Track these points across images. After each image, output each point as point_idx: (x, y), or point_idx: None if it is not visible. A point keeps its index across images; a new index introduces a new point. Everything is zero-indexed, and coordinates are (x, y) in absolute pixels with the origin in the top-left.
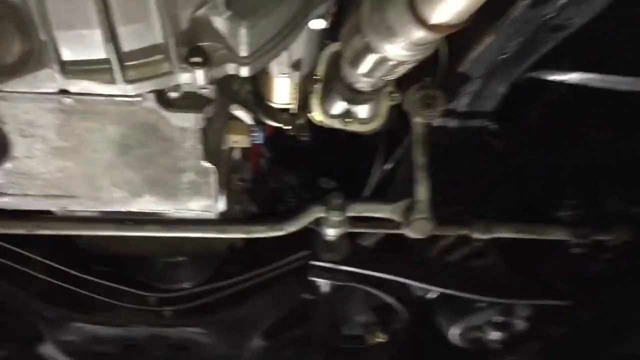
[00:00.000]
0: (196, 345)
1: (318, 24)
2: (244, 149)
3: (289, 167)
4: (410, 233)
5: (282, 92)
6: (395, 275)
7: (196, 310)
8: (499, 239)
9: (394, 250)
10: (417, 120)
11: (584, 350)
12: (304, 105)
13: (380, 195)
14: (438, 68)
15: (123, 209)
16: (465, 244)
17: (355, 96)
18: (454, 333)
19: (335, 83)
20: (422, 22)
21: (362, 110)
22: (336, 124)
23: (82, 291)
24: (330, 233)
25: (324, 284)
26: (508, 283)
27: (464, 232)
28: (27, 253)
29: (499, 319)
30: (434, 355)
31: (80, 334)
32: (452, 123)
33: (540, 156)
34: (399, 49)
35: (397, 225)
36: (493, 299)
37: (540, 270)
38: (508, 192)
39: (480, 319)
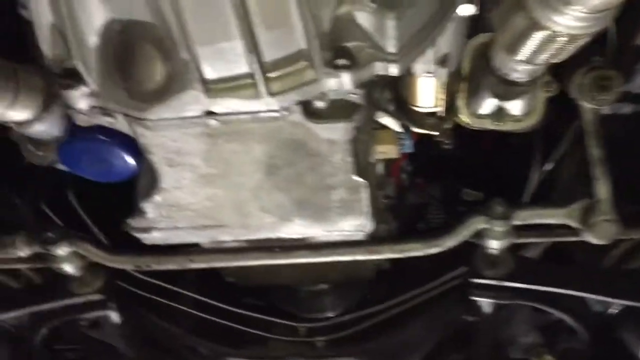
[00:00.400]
0: None
1: (467, 9)
2: (386, 162)
3: (430, 179)
4: (592, 238)
5: (428, 93)
6: (571, 289)
7: (350, 339)
8: None
9: (562, 262)
10: (589, 107)
11: None
12: (450, 107)
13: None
14: (607, 44)
15: (272, 236)
16: None
17: (508, 90)
18: None
19: (483, 77)
20: None
21: (516, 106)
22: (487, 125)
23: (235, 325)
24: (494, 245)
25: (486, 304)
26: None
27: None
28: (176, 289)
29: None
30: None
31: None
32: (626, 108)
33: None
34: (573, 21)
35: (572, 231)
36: None
37: None
38: None
39: None
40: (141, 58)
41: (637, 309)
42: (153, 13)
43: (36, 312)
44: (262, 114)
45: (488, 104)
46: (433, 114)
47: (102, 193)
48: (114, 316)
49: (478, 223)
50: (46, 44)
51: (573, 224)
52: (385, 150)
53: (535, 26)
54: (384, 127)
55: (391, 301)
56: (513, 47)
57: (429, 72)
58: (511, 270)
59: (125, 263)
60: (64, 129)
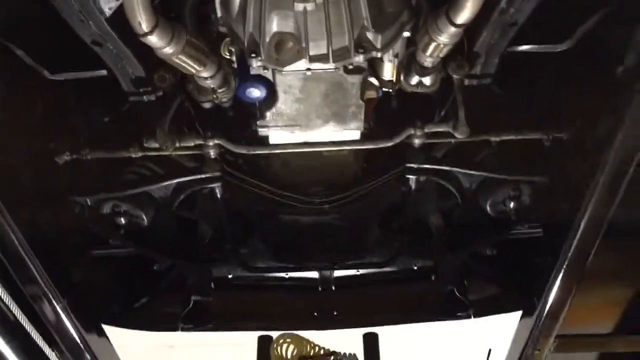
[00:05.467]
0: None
1: (406, 34)
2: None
3: None
4: (459, 135)
5: (388, 70)
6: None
7: (342, 205)
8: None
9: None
10: (457, 77)
11: None
12: (398, 77)
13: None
14: (465, 53)
15: (318, 132)
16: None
17: (424, 71)
18: (488, 206)
19: (412, 64)
20: (454, 24)
21: (427, 80)
22: (414, 89)
23: (283, 200)
24: (416, 144)
25: (412, 180)
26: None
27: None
28: (249, 179)
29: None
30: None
31: (279, 222)
32: (472, 81)
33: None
34: (444, 38)
35: (452, 135)
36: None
37: None
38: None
39: (501, 194)
40: (286, 47)
41: (485, 182)
42: (295, 29)
43: (181, 182)
44: (328, 70)
45: (415, 79)
46: (390, 80)
47: None
48: (219, 190)
49: (409, 131)
50: (246, 43)
51: (450, 130)
52: (371, 94)
53: (431, 40)
54: (372, 85)
55: (370, 182)
56: (424, 49)
57: (389, 60)
58: (425, 160)
59: (243, 149)
60: (219, 83)
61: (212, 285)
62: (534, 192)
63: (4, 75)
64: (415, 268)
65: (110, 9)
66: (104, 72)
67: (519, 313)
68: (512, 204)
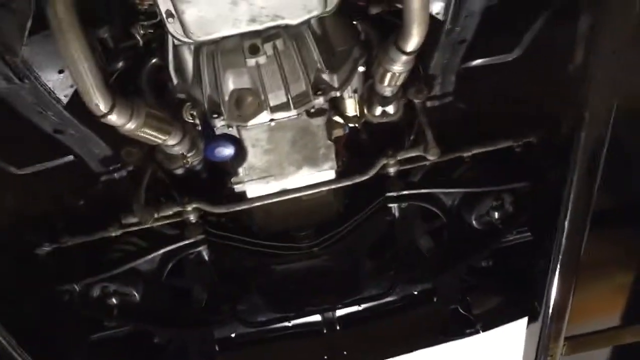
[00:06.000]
0: (328, 270)
1: (361, 69)
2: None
3: None
4: (430, 156)
5: (351, 106)
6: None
7: (329, 246)
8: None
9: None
10: (418, 101)
11: None
12: (361, 111)
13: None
14: (421, 76)
15: (293, 178)
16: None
17: (385, 101)
18: (473, 220)
19: (373, 97)
20: (404, 52)
21: (390, 109)
22: (379, 120)
23: (270, 250)
24: (391, 172)
25: (394, 207)
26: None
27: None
28: (233, 236)
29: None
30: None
31: (272, 273)
32: (434, 102)
33: None
34: (398, 67)
35: (424, 158)
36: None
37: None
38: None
39: (484, 206)
40: (246, 102)
41: (465, 198)
42: (252, 84)
43: (166, 252)
44: (291, 117)
45: (378, 110)
46: (355, 115)
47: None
48: (206, 253)
49: (383, 161)
50: (207, 105)
51: (422, 153)
52: (338, 132)
53: (387, 71)
54: (337, 123)
55: (349, 221)
56: (381, 80)
57: (350, 96)
58: (403, 187)
59: (222, 209)
60: (187, 148)
61: (217, 348)
62: (516, 198)
63: None
64: (415, 293)
65: (66, 95)
66: (71, 157)
67: (525, 319)
68: (496, 214)
